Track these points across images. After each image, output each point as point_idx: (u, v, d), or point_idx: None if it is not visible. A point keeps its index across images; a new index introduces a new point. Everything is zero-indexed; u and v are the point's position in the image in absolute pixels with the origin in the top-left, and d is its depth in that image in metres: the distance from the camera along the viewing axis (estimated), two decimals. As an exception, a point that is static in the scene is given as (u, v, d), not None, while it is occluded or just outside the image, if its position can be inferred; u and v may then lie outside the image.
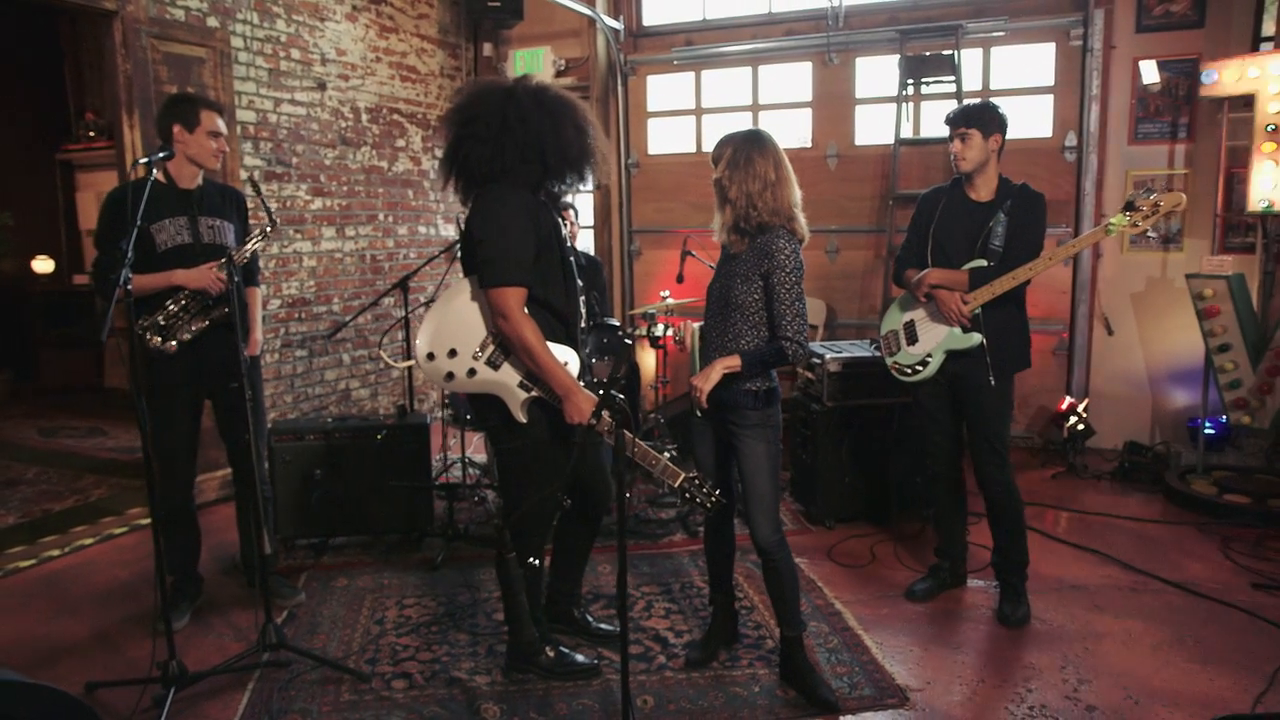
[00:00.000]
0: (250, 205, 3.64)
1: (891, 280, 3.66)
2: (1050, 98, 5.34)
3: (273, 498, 3.61)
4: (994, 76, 5.48)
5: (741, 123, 6.08)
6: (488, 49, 6.50)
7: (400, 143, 6.02)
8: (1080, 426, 5.18)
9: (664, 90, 6.39)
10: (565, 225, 5.20)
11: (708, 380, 2.64)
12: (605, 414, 2.36)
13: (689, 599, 3.55)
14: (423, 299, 5.58)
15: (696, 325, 2.90)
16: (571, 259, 2.76)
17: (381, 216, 5.91)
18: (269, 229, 3.43)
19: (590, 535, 3.11)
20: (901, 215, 5.64)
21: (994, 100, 3.36)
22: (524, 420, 2.64)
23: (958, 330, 3.29)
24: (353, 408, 5.72)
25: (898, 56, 5.51)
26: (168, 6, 4.39)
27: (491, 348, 2.66)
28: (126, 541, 4.25)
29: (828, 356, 4.26)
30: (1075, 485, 4.94)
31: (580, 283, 2.86)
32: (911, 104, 5.64)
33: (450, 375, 2.65)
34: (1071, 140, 5.31)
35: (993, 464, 3.27)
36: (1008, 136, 3.29)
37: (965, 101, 3.35)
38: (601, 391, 2.35)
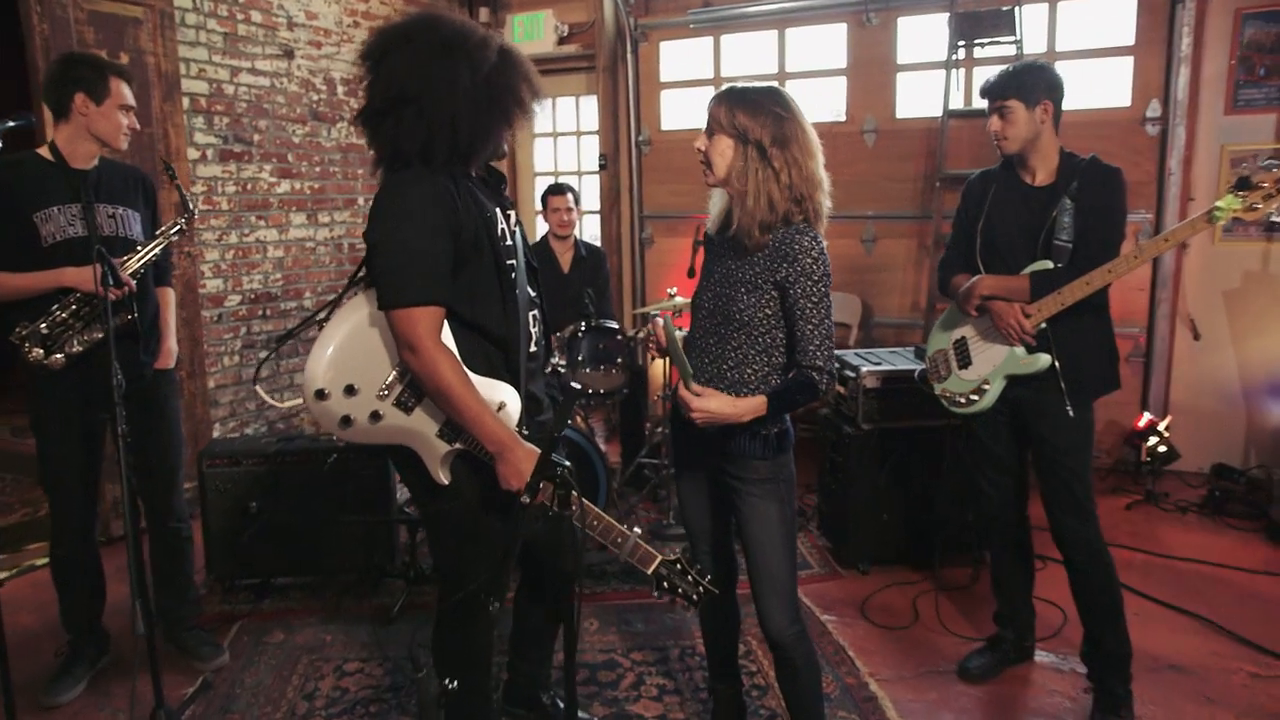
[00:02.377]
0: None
1: (937, 289, 2.95)
2: (1129, 60, 4.55)
3: (190, 537, 3.01)
4: (1061, 36, 4.70)
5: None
6: (484, 14, 5.84)
7: (384, 118, 5.38)
8: (1162, 448, 4.42)
9: (679, 58, 5.68)
10: (558, 212, 4.57)
11: (712, 413, 1.97)
12: (553, 485, 1.72)
13: (689, 672, 2.90)
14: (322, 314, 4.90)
15: (662, 318, 2.22)
16: (520, 261, 2.07)
17: (361, 201, 5.29)
18: (184, 222, 2.82)
19: (553, 616, 2.46)
20: (950, 198, 4.90)
21: (1044, 62, 2.64)
22: (445, 481, 1.96)
23: (1019, 350, 2.61)
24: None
25: (947, 15, 4.76)
26: (95, -43, 3.79)
27: (400, 386, 1.97)
28: (44, 577, 3.69)
29: (864, 369, 3.56)
30: (1155, 519, 4.20)
31: (543, 287, 2.19)
32: (963, 70, 4.89)
33: (347, 420, 1.96)
34: (1154, 110, 4.52)
35: (1073, 516, 2.58)
36: (1066, 104, 2.60)
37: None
38: (545, 453, 1.70)
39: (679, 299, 4.12)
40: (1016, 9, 4.58)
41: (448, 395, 1.82)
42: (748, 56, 5.47)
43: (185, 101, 4.18)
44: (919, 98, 5.06)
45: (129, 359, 2.65)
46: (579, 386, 3.92)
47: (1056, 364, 2.55)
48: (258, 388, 2.81)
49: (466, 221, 1.88)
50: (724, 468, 2.12)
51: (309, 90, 4.90)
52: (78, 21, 3.70)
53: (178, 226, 2.79)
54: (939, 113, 4.85)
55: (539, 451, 1.81)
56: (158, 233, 2.76)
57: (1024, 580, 2.89)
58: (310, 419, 4.99)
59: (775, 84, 2.08)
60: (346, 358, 1.98)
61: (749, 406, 1.97)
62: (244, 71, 4.50)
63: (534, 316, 2.11)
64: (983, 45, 4.72)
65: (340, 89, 5.11)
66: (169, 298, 2.96)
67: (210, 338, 4.43)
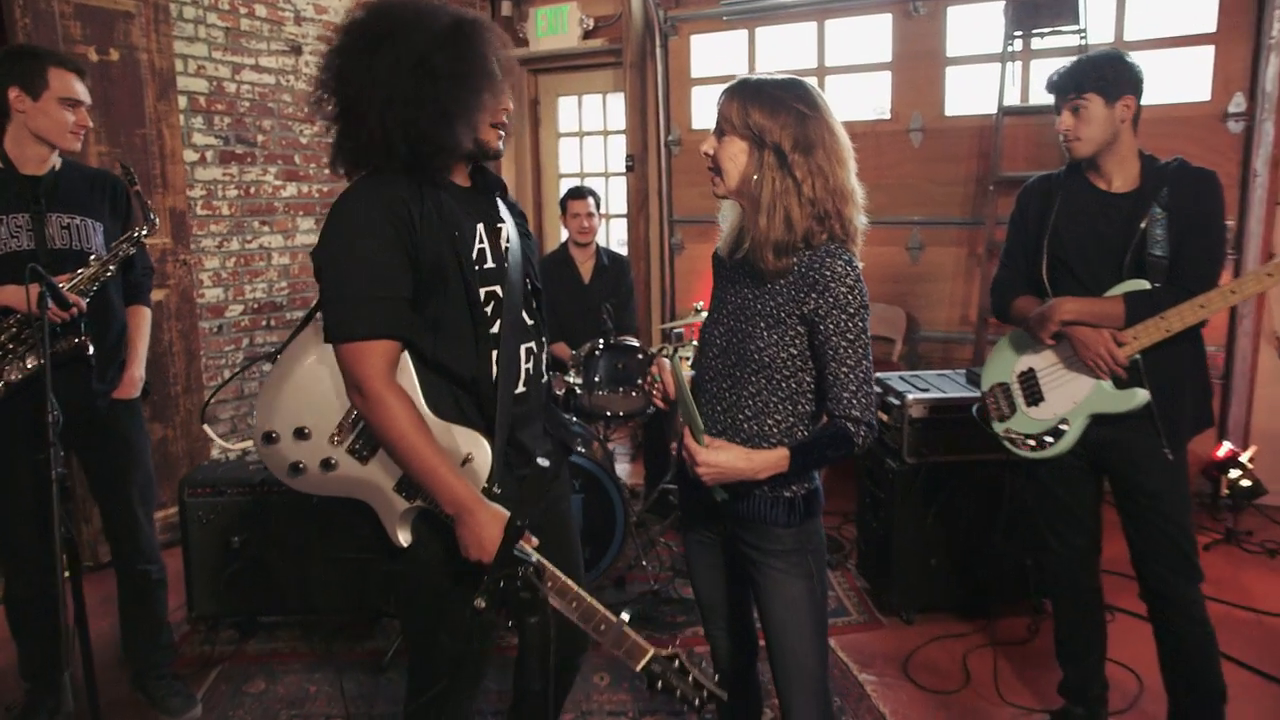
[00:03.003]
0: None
1: (993, 312, 2.58)
2: (1209, 50, 4.11)
3: (162, 579, 2.74)
4: (1130, 24, 4.26)
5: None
6: (506, 8, 5.55)
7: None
8: (1245, 481, 3.98)
9: (711, 52, 5.33)
10: (578, 218, 4.24)
11: (721, 468, 1.64)
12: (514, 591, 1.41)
13: (707, 744, 2.56)
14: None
15: (667, 359, 1.93)
16: (513, 284, 1.74)
17: (375, 205, 5.02)
18: (142, 234, 2.55)
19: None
20: (1005, 204, 4.49)
21: (1123, 52, 2.26)
22: (403, 542, 1.69)
23: (1107, 384, 2.24)
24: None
25: (1003, 3, 4.35)
26: (83, -53, 3.55)
27: (353, 431, 1.70)
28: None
29: (910, 397, 3.19)
30: (1238, 561, 3.76)
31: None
32: (1019, 62, 4.48)
33: (297, 467, 1.74)
34: (1239, 104, 4.08)
35: (1179, 574, 2.23)
36: (1144, 100, 2.22)
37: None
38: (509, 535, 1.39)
39: (705, 315, 3.78)
40: (1082, -5, 4.16)
41: (397, 445, 1.55)
42: (784, 50, 5.10)
43: (182, 101, 3.94)
44: (970, 94, 4.65)
45: (78, 387, 2.39)
46: (599, 409, 3.60)
47: (1151, 400, 2.18)
48: (206, 428, 2.55)
49: (426, 241, 1.59)
50: (739, 534, 1.78)
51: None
52: (63, 15, 3.46)
53: (133, 239, 2.51)
54: (992, 110, 4.44)
55: (506, 516, 1.55)
56: (111, 246, 2.49)
57: (1096, 646, 2.50)
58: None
59: (799, 77, 1.74)
60: (300, 396, 1.75)
61: (767, 461, 1.64)
62: (247, 69, 4.25)
63: (528, 350, 1.79)
64: (1042, 35, 4.31)
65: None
66: (141, 318, 2.68)
67: (209, 350, 4.18)
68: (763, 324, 1.71)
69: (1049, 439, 2.35)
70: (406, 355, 1.64)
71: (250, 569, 3.12)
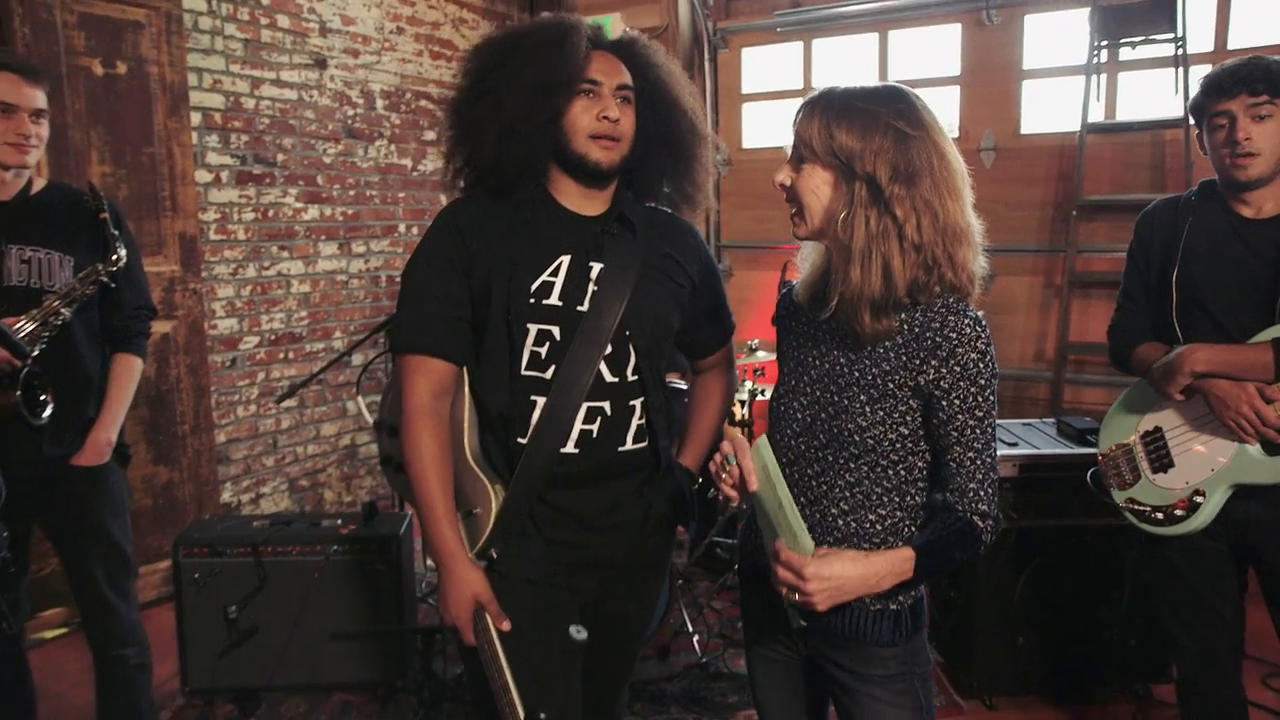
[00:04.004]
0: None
1: (1111, 360, 2.18)
2: (1324, 61, 3.69)
3: (143, 664, 2.39)
4: (1235, 32, 3.85)
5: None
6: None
7: (429, 135, 4.82)
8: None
9: (764, 66, 5.00)
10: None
11: (839, 584, 1.29)
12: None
13: None
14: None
15: (740, 432, 1.44)
16: (590, 328, 1.55)
17: (403, 228, 4.73)
18: (107, 269, 2.20)
19: None
20: (1086, 229, 4.10)
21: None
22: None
23: (1254, 449, 1.84)
24: (360, 469, 4.55)
25: (1087, 10, 3.96)
26: (91, -47, 3.29)
27: None
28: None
29: (997, 453, 2.78)
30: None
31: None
32: (1105, 75, 4.08)
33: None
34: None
35: None
36: None
37: (1248, 59, 1.86)
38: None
39: (761, 353, 3.41)
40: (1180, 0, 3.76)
41: (409, 471, 1.56)
42: (844, 63, 4.75)
43: (196, 117, 3.67)
44: (1049, 109, 4.28)
45: (26, 451, 2.06)
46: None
47: None
48: (359, 398, 2.35)
49: (479, 261, 1.55)
50: (827, 654, 1.42)
51: (343, 104, 4.35)
52: (66, 25, 3.20)
53: (93, 277, 2.17)
54: (1075, 127, 4.05)
55: (480, 585, 1.52)
56: (72, 282, 2.15)
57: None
58: (340, 475, 4.43)
59: (899, 85, 1.37)
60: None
61: (891, 567, 1.30)
62: (267, 83, 3.97)
63: (594, 409, 1.57)
64: (1133, 45, 3.91)
65: (380, 103, 4.56)
66: (124, 370, 2.30)
67: (222, 386, 3.89)
68: (863, 397, 1.35)
69: (1180, 512, 1.95)
70: (467, 384, 1.60)
71: (250, 639, 2.79)
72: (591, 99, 1.55)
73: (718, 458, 1.43)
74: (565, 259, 1.57)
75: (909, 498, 1.39)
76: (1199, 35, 3.85)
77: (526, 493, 1.54)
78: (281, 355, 4.16)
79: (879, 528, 1.38)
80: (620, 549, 1.65)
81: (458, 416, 1.58)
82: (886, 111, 1.31)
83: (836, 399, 1.39)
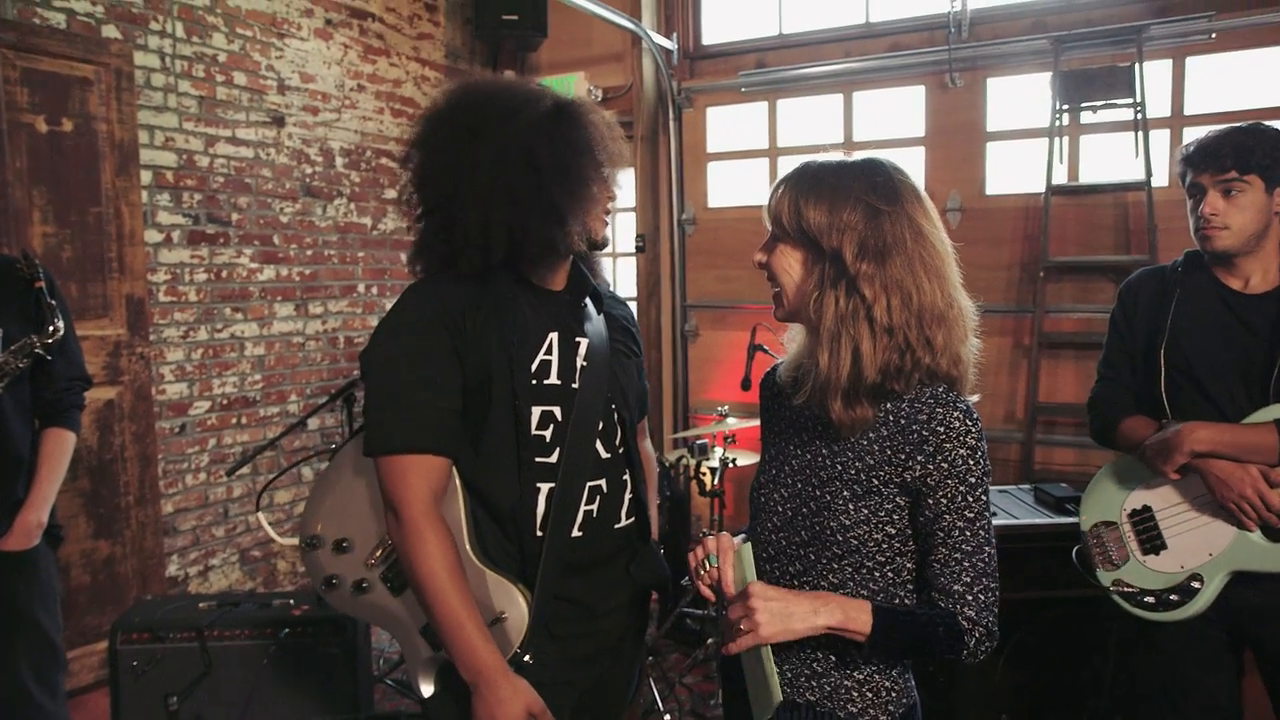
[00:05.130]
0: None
1: (1092, 434, 2.12)
2: (1281, 126, 3.75)
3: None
4: (1191, 97, 3.91)
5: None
6: (510, 77, 5.20)
7: (390, 193, 4.72)
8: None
9: (728, 125, 4.99)
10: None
11: (772, 609, 1.20)
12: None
13: None
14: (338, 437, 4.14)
15: (738, 539, 1.43)
16: (590, 405, 1.51)
17: (362, 288, 4.60)
18: (43, 340, 2.07)
19: None
20: (1054, 290, 4.10)
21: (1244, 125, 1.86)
22: (425, 692, 1.50)
23: (1255, 535, 1.79)
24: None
25: (1049, 74, 4.01)
26: (38, 8, 3.18)
27: (391, 558, 1.59)
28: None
29: (977, 524, 2.71)
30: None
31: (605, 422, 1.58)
32: (1067, 138, 4.12)
33: (332, 581, 1.62)
34: (1313, 186, 3.70)
35: None
36: None
37: (1213, 129, 1.86)
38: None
39: (731, 419, 3.32)
40: (1136, 65, 3.81)
41: (423, 586, 1.39)
42: (808, 124, 4.75)
43: (146, 175, 3.54)
44: (1013, 171, 4.28)
45: None
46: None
47: None
48: (260, 516, 2.17)
49: (475, 345, 1.43)
50: None
51: (301, 162, 4.25)
52: (8, 80, 3.07)
53: (28, 349, 2.04)
54: (1039, 189, 4.06)
55: (532, 696, 1.37)
56: (4, 356, 2.02)
57: None
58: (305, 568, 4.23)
59: (877, 156, 1.32)
60: (348, 504, 1.65)
61: (842, 603, 1.24)
62: (222, 141, 3.86)
63: (594, 489, 1.53)
64: (1094, 109, 3.95)
65: (340, 161, 4.46)
66: (57, 445, 2.16)
67: (170, 454, 3.71)
68: (846, 493, 1.28)
69: (1174, 597, 1.88)
70: (458, 479, 1.47)
71: (193, 732, 2.60)
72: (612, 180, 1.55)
73: (700, 552, 1.35)
74: (554, 336, 1.51)
75: (896, 601, 1.29)
76: (1157, 100, 3.90)
77: (550, 587, 1.46)
78: (234, 420, 3.99)
79: (894, 606, 1.28)
80: (616, 635, 1.60)
81: (453, 517, 1.46)
82: (858, 186, 1.25)
83: (818, 493, 1.30)
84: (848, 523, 1.27)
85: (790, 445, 1.39)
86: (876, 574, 1.28)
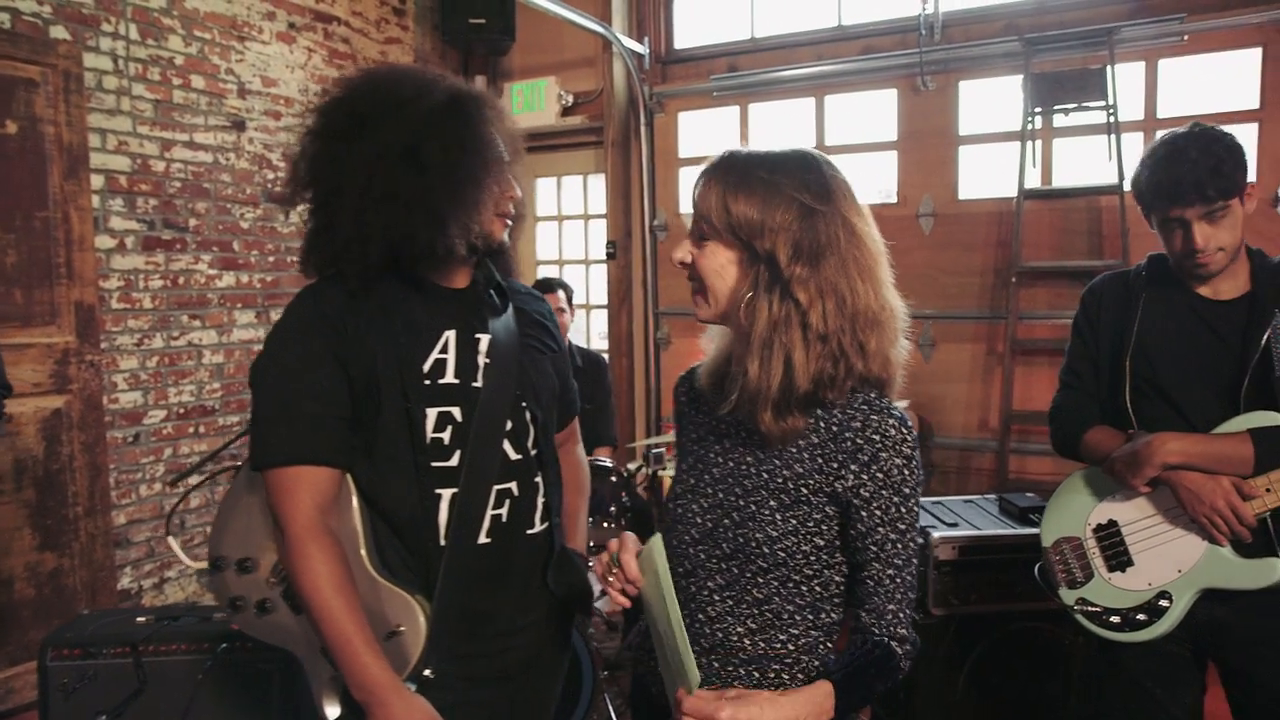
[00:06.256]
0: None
1: (1054, 445, 2.04)
2: (1253, 128, 3.69)
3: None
4: (1164, 100, 3.86)
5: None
6: (480, 83, 5.15)
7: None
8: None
9: (700, 130, 4.94)
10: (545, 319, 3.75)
11: None
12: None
13: None
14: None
15: (632, 536, 1.34)
16: (495, 405, 1.43)
17: (327, 294, 4.53)
18: None
19: None
20: (1027, 296, 4.03)
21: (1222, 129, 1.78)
22: (329, 715, 1.41)
23: (1226, 550, 1.71)
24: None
25: (1020, 77, 3.95)
26: (-18, 9, 3.13)
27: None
28: None
29: (936, 534, 2.64)
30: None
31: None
32: (1040, 141, 4.06)
33: (236, 603, 1.54)
34: (1288, 189, 3.65)
35: None
36: None
37: (1171, 136, 1.76)
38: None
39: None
40: (1108, 68, 3.76)
41: (310, 602, 1.32)
42: (780, 128, 4.70)
43: (98, 180, 3.47)
44: (986, 175, 4.22)
45: None
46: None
47: None
48: (170, 540, 2.10)
49: (359, 348, 1.36)
50: None
51: (263, 167, 4.19)
52: (-50, 84, 3.01)
53: None
54: (1012, 193, 4.00)
55: (427, 714, 1.30)
56: None
57: None
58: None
59: (806, 148, 1.25)
60: (249, 523, 1.55)
61: (810, 706, 1.12)
62: (179, 145, 3.79)
63: (503, 492, 1.45)
64: (1066, 112, 3.89)
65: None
66: None
67: (123, 463, 3.63)
68: (773, 503, 1.21)
69: (1142, 617, 1.80)
70: (353, 489, 1.40)
71: (125, 752, 2.51)
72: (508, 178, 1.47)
73: (604, 557, 1.28)
74: (450, 334, 1.44)
75: (824, 615, 1.24)
76: (1130, 103, 3.84)
77: (453, 597, 1.39)
78: (191, 430, 3.91)
79: (790, 648, 1.23)
80: (532, 649, 1.52)
81: (349, 528, 1.40)
82: (791, 182, 1.18)
83: (742, 504, 1.23)
84: (775, 534, 1.20)
85: (710, 453, 1.31)
86: (804, 587, 1.22)
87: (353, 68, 4.63)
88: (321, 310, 1.37)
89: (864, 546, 1.19)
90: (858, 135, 4.53)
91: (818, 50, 4.56)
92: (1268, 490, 1.65)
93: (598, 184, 5.30)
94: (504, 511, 1.45)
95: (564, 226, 5.56)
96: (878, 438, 1.16)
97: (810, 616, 1.23)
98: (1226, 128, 1.78)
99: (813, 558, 1.21)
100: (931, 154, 4.30)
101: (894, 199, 4.39)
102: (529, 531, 1.50)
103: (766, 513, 1.21)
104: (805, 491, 1.19)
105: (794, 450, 1.21)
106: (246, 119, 4.09)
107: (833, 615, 1.25)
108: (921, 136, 4.32)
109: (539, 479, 1.52)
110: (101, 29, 3.48)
